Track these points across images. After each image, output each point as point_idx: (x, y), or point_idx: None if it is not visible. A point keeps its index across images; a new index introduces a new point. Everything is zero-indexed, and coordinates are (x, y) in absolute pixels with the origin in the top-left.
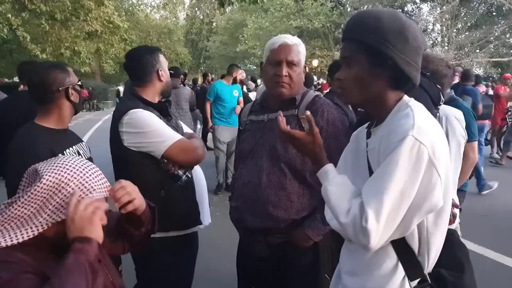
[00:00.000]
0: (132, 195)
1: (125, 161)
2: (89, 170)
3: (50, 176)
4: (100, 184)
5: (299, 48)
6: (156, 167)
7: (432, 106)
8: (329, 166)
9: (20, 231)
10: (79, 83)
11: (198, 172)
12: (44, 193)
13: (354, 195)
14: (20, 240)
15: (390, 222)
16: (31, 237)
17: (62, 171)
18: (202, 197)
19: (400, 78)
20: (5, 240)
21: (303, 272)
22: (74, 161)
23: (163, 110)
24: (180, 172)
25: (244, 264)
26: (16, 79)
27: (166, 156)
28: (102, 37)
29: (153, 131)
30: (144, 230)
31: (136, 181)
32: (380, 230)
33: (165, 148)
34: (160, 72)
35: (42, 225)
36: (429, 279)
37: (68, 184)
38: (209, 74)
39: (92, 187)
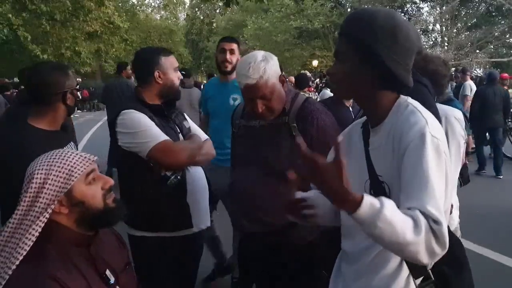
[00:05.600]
0: None
1: (122, 160)
2: (65, 155)
3: (38, 173)
4: (80, 162)
5: (264, 78)
6: (147, 167)
7: (436, 107)
8: (367, 198)
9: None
10: (77, 86)
11: (195, 175)
12: (37, 187)
13: (407, 213)
14: (36, 234)
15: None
16: (40, 229)
17: (45, 164)
18: (196, 200)
19: (388, 77)
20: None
21: (301, 269)
22: (54, 153)
23: (159, 111)
24: (168, 174)
25: (244, 263)
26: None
27: (149, 157)
28: (102, 37)
29: (139, 132)
30: None
31: (128, 179)
32: (446, 224)
33: (148, 149)
34: (156, 73)
35: (43, 214)
36: (432, 276)
37: (50, 173)
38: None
39: (72, 165)
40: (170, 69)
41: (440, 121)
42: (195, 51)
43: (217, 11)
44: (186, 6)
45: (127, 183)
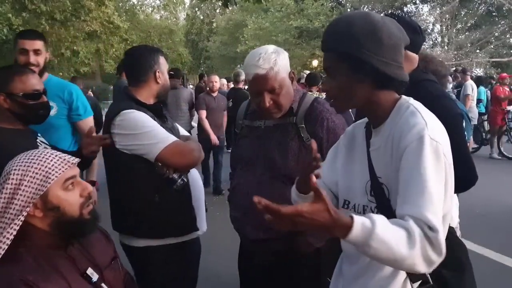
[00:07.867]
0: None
1: (117, 164)
2: (44, 156)
3: (14, 173)
4: (59, 164)
5: (274, 69)
6: (150, 171)
7: (457, 107)
8: (357, 220)
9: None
10: (21, 93)
11: (194, 176)
12: (13, 188)
13: (399, 224)
14: (11, 238)
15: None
16: (15, 232)
17: (23, 164)
18: (199, 202)
19: (383, 79)
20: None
21: (306, 277)
22: (33, 153)
23: (157, 111)
24: (175, 176)
25: (245, 270)
26: None
27: (159, 159)
28: (102, 37)
29: (146, 133)
30: None
31: (128, 185)
32: (443, 231)
33: (159, 151)
34: (157, 73)
35: (18, 217)
36: (430, 281)
37: (27, 175)
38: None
39: (50, 167)
40: (165, 69)
41: (459, 114)
42: (195, 51)
43: (217, 11)
44: (186, 6)
45: (126, 190)
